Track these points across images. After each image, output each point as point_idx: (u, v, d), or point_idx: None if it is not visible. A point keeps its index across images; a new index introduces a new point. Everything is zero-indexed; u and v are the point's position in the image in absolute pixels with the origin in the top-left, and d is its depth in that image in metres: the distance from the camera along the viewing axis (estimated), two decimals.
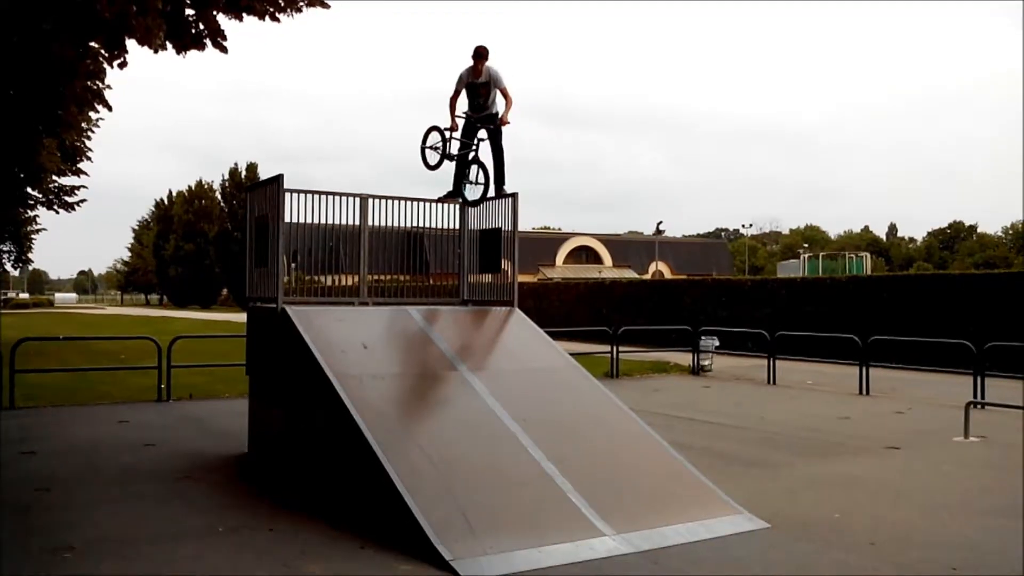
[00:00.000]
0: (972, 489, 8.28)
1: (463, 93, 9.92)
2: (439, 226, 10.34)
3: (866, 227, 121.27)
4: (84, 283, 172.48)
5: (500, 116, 9.88)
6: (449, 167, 10.11)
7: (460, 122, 9.95)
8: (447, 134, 9.94)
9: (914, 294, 22.16)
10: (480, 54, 9.71)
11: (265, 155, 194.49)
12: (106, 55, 10.83)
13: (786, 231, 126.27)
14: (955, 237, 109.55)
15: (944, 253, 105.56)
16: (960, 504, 7.67)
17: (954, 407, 12.91)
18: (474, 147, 10.00)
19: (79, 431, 11.31)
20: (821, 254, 66.81)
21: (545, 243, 71.90)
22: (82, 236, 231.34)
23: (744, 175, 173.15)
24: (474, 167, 10.05)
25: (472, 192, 10.16)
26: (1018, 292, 19.87)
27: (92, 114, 18.22)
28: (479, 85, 9.81)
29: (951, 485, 8.47)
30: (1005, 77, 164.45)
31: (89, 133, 21.53)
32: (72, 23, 9.75)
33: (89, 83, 12.41)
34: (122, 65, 10.59)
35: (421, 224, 10.16)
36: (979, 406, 12.92)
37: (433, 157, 10.01)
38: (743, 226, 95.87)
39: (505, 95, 9.83)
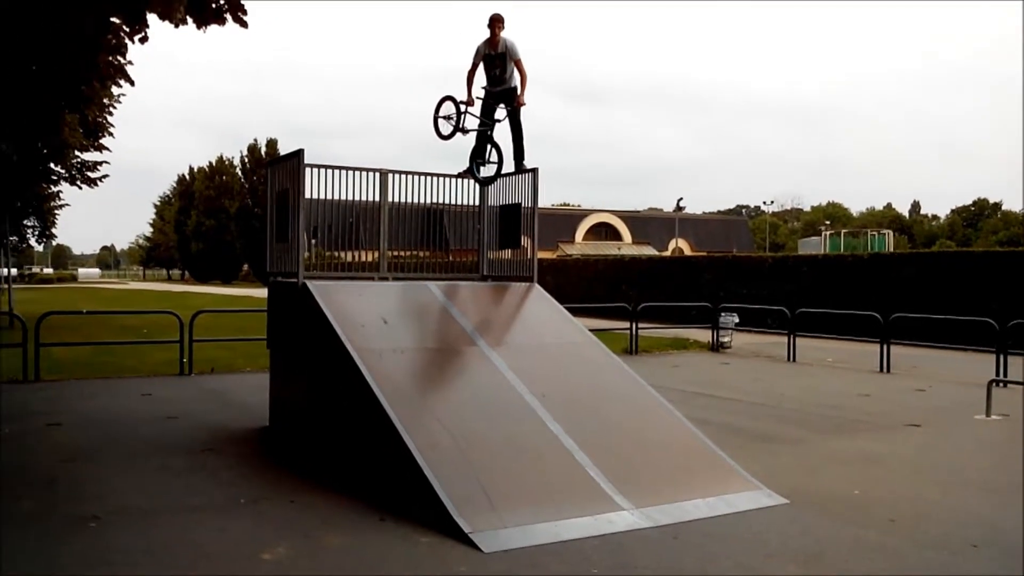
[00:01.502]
0: (992, 467, 8.24)
1: (480, 67, 9.87)
2: (459, 202, 10.33)
3: (889, 204, 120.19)
4: (107, 258, 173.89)
5: (516, 96, 9.83)
6: (465, 141, 10.07)
7: (478, 99, 9.91)
8: (462, 107, 9.88)
9: (936, 271, 21.96)
10: (496, 20, 9.65)
11: (285, 131, 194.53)
12: (127, 30, 10.85)
13: (808, 208, 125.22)
14: (979, 215, 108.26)
15: (968, 231, 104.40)
16: (980, 481, 7.63)
17: (976, 385, 12.82)
18: (491, 126, 9.96)
19: (103, 404, 11.45)
20: (843, 231, 66.32)
21: (565, 219, 71.70)
22: (105, 212, 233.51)
23: (766, 151, 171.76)
24: (488, 146, 10.02)
25: (485, 171, 10.14)
26: None
27: (114, 89, 18.22)
28: (495, 57, 9.75)
29: (971, 463, 8.43)
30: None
31: (111, 109, 21.52)
32: None
33: (111, 58, 12.43)
34: (143, 40, 10.61)
35: (441, 200, 10.16)
36: (1001, 384, 12.82)
37: (446, 128, 9.93)
38: (764, 203, 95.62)
39: (520, 70, 9.75)
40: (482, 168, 10.14)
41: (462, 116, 9.88)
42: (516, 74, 9.79)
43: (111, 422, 10.11)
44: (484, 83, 9.92)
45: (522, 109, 9.94)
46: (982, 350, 15.50)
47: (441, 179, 10.15)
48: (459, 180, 10.26)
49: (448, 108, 9.93)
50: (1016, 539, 5.99)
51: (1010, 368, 13.99)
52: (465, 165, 10.22)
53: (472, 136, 10.05)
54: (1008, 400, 11.89)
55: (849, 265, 24.56)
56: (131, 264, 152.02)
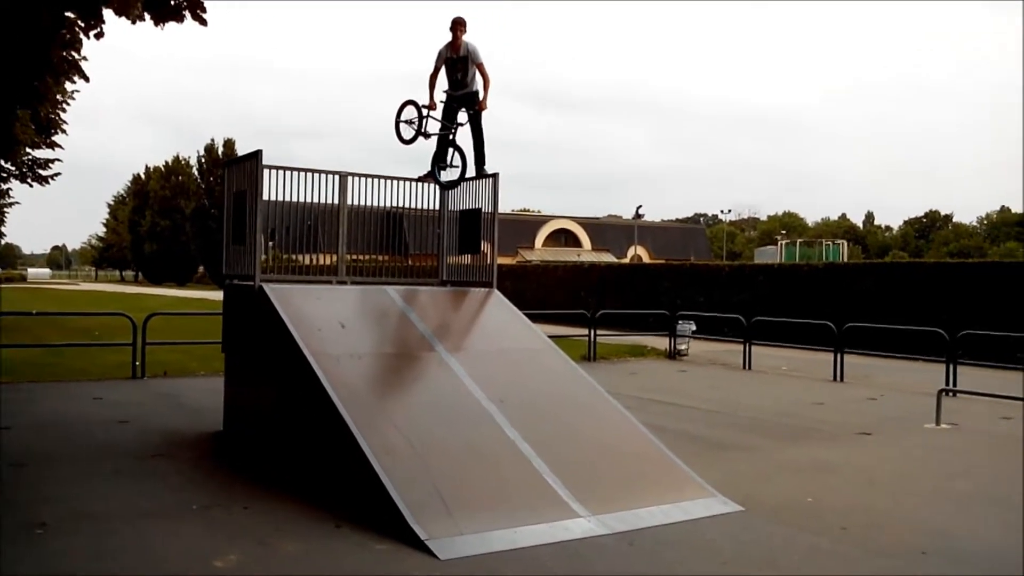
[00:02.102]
0: (942, 475, 8.39)
1: (442, 70, 9.86)
2: (419, 206, 10.29)
3: (843, 215, 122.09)
4: (58, 258, 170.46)
5: (479, 100, 9.83)
6: (426, 145, 10.07)
7: (440, 101, 9.90)
8: (424, 111, 9.87)
9: (889, 282, 22.36)
10: (458, 24, 9.66)
11: (244, 131, 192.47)
12: (82, 25, 10.65)
13: (764, 217, 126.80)
14: (931, 226, 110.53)
15: (920, 242, 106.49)
16: (930, 490, 7.77)
17: (926, 394, 13.06)
18: (453, 130, 9.96)
19: (53, 407, 11.20)
20: (798, 241, 67.25)
21: (524, 225, 71.79)
22: (56, 210, 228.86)
23: (724, 160, 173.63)
24: (451, 150, 10.00)
25: (448, 175, 10.13)
26: (991, 281, 20.11)
27: (68, 85, 17.92)
28: (457, 61, 9.75)
29: (922, 471, 8.58)
30: (982, 67, 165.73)
31: (64, 105, 21.16)
32: None
33: (65, 53, 12.21)
34: (99, 35, 10.41)
35: (401, 204, 10.11)
36: (951, 394, 13.08)
37: (408, 132, 9.94)
38: (722, 211, 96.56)
39: (483, 73, 9.76)
40: (444, 172, 10.13)
41: (424, 120, 9.87)
42: (478, 78, 9.80)
43: (61, 426, 9.90)
44: (446, 87, 9.91)
45: (484, 113, 9.95)
46: (932, 360, 15.80)
47: (402, 183, 10.11)
48: (419, 184, 10.22)
49: (410, 112, 9.91)
50: (964, 546, 6.10)
51: (960, 378, 14.27)
52: (427, 169, 10.20)
53: (434, 140, 10.03)
54: (957, 409, 12.13)
55: (804, 275, 24.90)
56: (83, 264, 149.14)
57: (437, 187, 10.33)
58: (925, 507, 7.16)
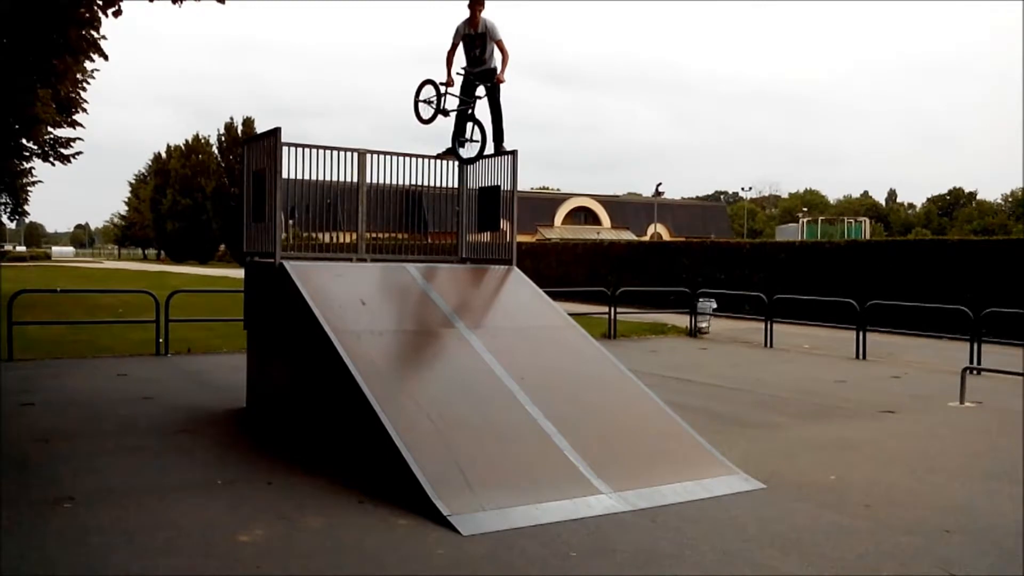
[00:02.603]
0: (966, 453, 8.33)
1: (460, 47, 9.83)
2: (438, 184, 10.26)
3: (865, 192, 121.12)
4: (81, 237, 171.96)
5: (496, 73, 9.79)
6: (444, 123, 10.04)
7: (458, 78, 9.85)
8: (442, 89, 9.84)
9: (912, 259, 22.14)
10: (476, 1, 9.62)
11: (263, 110, 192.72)
12: (101, 3, 10.67)
13: (785, 195, 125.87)
14: (954, 204, 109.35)
15: (943, 219, 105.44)
16: (954, 468, 7.71)
17: (950, 372, 12.96)
18: (471, 104, 9.91)
19: (78, 383, 11.33)
20: (820, 218, 66.72)
21: (544, 203, 71.61)
22: (79, 189, 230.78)
23: (745, 138, 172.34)
24: (470, 124, 9.97)
25: (468, 150, 10.08)
26: (1016, 259, 19.86)
27: (87, 64, 17.99)
28: (475, 37, 9.71)
29: (946, 449, 8.51)
30: (1006, 42, 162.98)
31: (84, 84, 21.24)
32: None
33: (84, 31, 12.23)
34: (117, 13, 10.44)
35: (420, 181, 10.08)
36: (975, 371, 12.96)
37: (427, 111, 9.92)
38: (742, 189, 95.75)
39: (501, 49, 9.72)
40: (464, 148, 10.09)
41: (442, 98, 9.83)
42: (497, 54, 9.75)
43: (85, 402, 10.00)
44: (464, 64, 9.86)
45: (502, 90, 9.89)
46: (956, 338, 15.66)
47: (420, 160, 10.07)
48: (438, 161, 10.18)
49: (428, 92, 9.89)
50: (987, 524, 6.06)
51: (984, 356, 14.14)
52: (445, 146, 10.17)
53: (452, 118, 10.00)
54: (981, 388, 12.03)
55: (826, 252, 24.70)
56: (106, 243, 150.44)
57: (456, 164, 10.29)
58: (949, 485, 7.11)
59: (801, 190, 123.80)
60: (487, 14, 9.69)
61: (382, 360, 7.60)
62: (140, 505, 6.09)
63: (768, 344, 17.84)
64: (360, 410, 6.81)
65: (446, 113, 9.94)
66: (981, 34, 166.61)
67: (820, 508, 6.34)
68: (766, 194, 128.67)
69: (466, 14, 9.68)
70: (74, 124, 23.39)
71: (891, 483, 7.10)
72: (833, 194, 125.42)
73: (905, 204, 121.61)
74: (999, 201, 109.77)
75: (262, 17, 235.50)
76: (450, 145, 10.11)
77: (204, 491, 6.50)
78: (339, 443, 7.42)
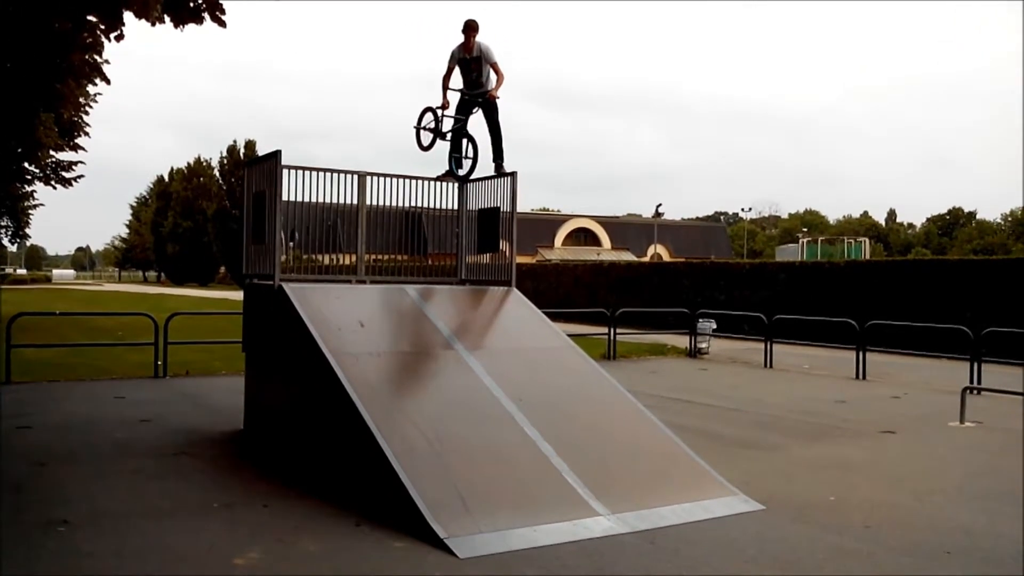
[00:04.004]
0: (967, 474, 8.29)
1: (456, 70, 9.96)
2: (438, 205, 10.29)
3: (865, 212, 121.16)
4: (82, 259, 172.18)
5: (490, 90, 9.91)
6: (443, 146, 10.17)
7: (454, 97, 10.02)
8: (439, 113, 10.00)
9: (912, 279, 22.14)
10: (470, 27, 9.74)
11: (264, 133, 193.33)
12: (103, 27, 10.74)
13: (785, 215, 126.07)
14: (954, 223, 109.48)
15: (943, 239, 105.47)
16: (955, 488, 7.68)
17: (950, 392, 12.92)
18: (465, 120, 10.04)
19: (75, 406, 11.30)
20: (820, 239, 66.75)
21: (544, 224, 71.79)
22: (80, 212, 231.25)
23: (744, 158, 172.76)
24: (464, 140, 10.08)
25: (463, 168, 10.17)
26: (1016, 279, 19.86)
27: (90, 88, 18.13)
28: (471, 60, 9.85)
29: (946, 469, 8.48)
30: (1005, 63, 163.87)
31: (87, 108, 21.38)
32: None
33: (87, 56, 12.31)
34: (119, 37, 10.49)
35: (420, 203, 10.12)
36: (975, 391, 12.93)
37: (427, 138, 10.17)
38: (742, 210, 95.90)
39: (496, 71, 9.87)
40: (460, 165, 10.19)
41: (440, 123, 10.00)
42: (493, 76, 9.89)
43: (83, 425, 9.97)
44: (461, 86, 10.00)
45: (501, 110, 9.98)
46: (956, 357, 15.64)
47: (420, 182, 10.11)
48: (438, 184, 10.23)
49: (428, 119, 10.15)
50: (987, 545, 6.02)
51: (984, 376, 14.10)
52: (444, 169, 10.25)
53: (450, 140, 10.12)
54: (982, 407, 11.99)
55: (826, 272, 24.71)
56: (106, 266, 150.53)
57: (456, 185, 10.33)
58: (949, 506, 7.07)
59: (801, 210, 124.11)
60: (482, 37, 9.82)
61: (380, 382, 7.58)
62: (135, 529, 6.06)
63: (768, 364, 17.81)
64: (358, 432, 6.79)
65: (444, 136, 10.06)
66: (980, 56, 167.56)
67: (820, 529, 6.30)
68: (766, 214, 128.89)
69: (461, 38, 9.82)
70: (76, 148, 23.52)
71: (891, 504, 7.07)
72: (833, 214, 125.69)
73: (905, 224, 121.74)
74: (999, 221, 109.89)
75: (264, 42, 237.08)
76: (448, 165, 10.21)
77: (201, 514, 6.47)
78: (337, 465, 7.40)
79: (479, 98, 9.94)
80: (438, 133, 10.05)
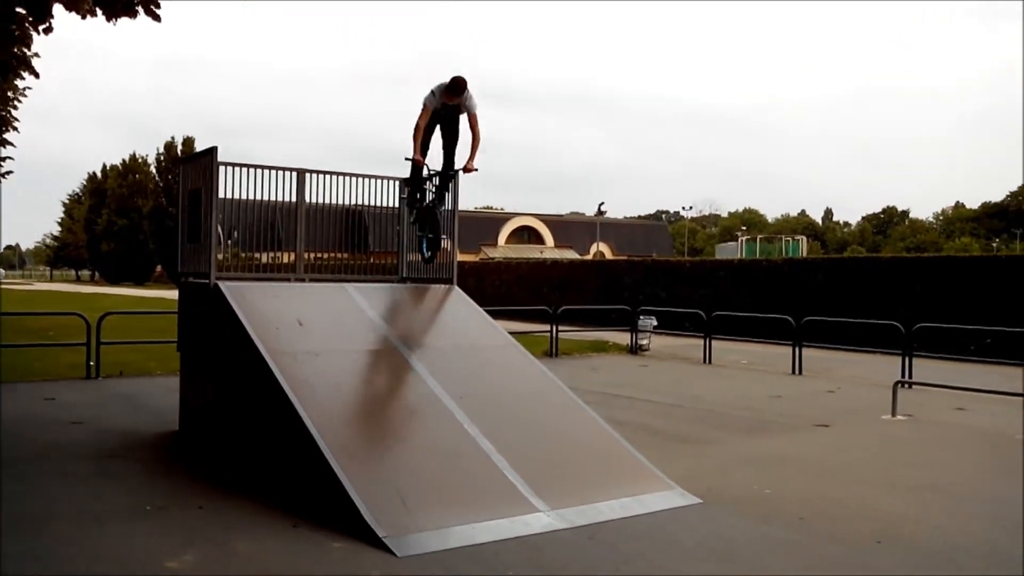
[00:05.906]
0: (898, 465, 8.51)
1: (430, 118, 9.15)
2: (379, 203, 10.19)
3: (803, 211, 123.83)
4: (11, 258, 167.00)
5: (466, 162, 9.34)
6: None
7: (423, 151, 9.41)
8: (426, 184, 9.76)
9: (847, 277, 22.66)
10: (459, 88, 8.87)
11: (202, 131, 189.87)
12: (31, 20, 10.43)
13: (725, 214, 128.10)
14: (888, 222, 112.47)
15: (877, 237, 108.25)
16: (885, 480, 7.87)
17: (883, 386, 13.23)
18: (435, 205, 9.76)
19: (2, 408, 10.95)
20: (759, 237, 67.96)
21: (487, 223, 71.77)
22: (9, 209, 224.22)
23: (685, 158, 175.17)
24: (427, 221, 9.89)
25: (427, 249, 9.99)
26: (946, 276, 20.47)
27: (18, 82, 17.55)
28: (451, 108, 9.11)
29: (878, 461, 8.69)
30: (937, 65, 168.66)
31: (16, 102, 20.73)
32: None
33: (15, 49, 11.93)
34: (47, 30, 10.20)
35: (361, 201, 10.01)
36: (907, 385, 13.27)
37: (411, 209, 9.97)
38: (683, 208, 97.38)
39: (474, 128, 9.14)
40: (430, 245, 9.92)
41: (425, 193, 9.82)
42: (465, 128, 9.27)
43: (11, 427, 9.66)
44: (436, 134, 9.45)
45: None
46: (889, 352, 16.04)
47: (361, 180, 10.00)
48: (379, 181, 10.10)
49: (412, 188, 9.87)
50: (917, 534, 6.19)
51: (915, 370, 14.49)
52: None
53: (407, 166, 9.53)
54: (913, 401, 12.32)
55: (764, 270, 25.15)
56: (37, 264, 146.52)
57: (396, 183, 10.21)
58: (880, 497, 7.25)
59: (740, 209, 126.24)
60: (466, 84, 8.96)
61: (319, 381, 7.49)
62: (63, 533, 5.89)
63: (707, 360, 18.06)
64: (295, 432, 6.70)
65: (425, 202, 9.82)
66: (913, 58, 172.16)
67: (755, 522, 6.41)
68: (706, 213, 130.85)
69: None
70: (4, 143, 22.79)
71: (824, 496, 7.22)
72: (771, 213, 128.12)
73: (841, 223, 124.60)
74: (931, 219, 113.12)
75: (203, 37, 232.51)
76: (406, 197, 10.02)
77: (132, 517, 6.32)
78: (274, 466, 7.30)
79: (451, 168, 9.58)
80: (422, 206, 9.81)
